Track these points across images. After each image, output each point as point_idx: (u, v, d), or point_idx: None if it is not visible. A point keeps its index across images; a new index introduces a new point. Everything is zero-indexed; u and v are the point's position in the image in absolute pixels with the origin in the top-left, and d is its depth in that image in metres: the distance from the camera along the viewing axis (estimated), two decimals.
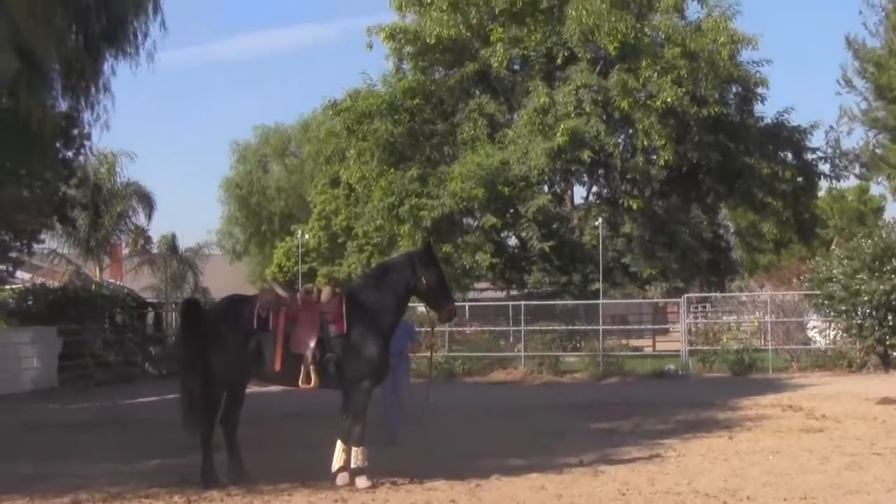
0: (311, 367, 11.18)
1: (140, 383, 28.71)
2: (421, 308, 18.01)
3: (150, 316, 35.14)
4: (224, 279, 63.05)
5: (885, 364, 27.88)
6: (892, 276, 27.54)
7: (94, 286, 36.88)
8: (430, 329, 13.23)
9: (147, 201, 48.85)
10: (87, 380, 27.84)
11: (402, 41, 39.43)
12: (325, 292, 11.63)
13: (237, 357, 11.30)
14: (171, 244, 55.26)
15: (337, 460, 11.30)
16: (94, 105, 22.02)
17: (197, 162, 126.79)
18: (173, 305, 42.00)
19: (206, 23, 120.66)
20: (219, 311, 12.20)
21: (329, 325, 11.32)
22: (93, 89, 21.52)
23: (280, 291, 11.78)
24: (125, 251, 56.72)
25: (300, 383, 11.24)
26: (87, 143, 26.30)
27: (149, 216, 50.12)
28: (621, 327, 36.92)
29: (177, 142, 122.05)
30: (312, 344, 11.20)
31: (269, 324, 11.24)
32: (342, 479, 11.17)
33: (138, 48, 21.33)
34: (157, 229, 77.35)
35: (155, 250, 55.67)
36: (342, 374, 11.33)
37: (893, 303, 27.50)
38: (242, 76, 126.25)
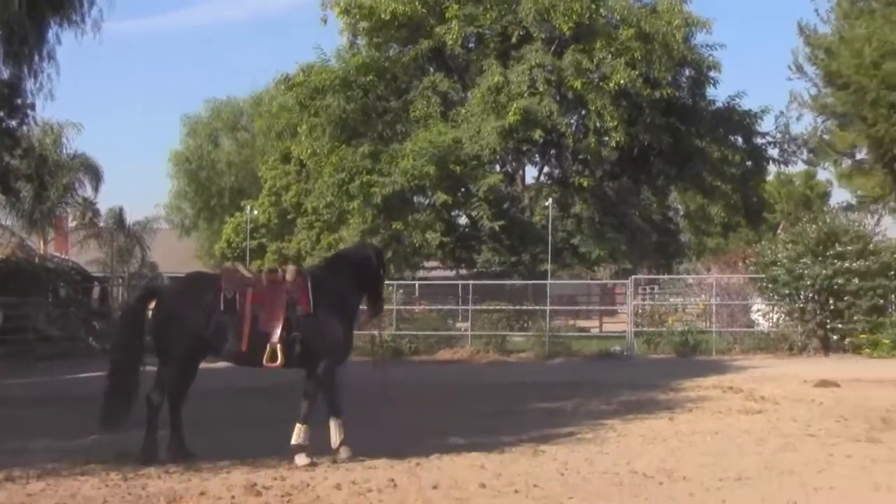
0: (278, 347, 11.21)
1: (83, 358, 28.39)
2: None
3: (96, 290, 34.78)
4: (172, 254, 62.68)
5: (826, 347, 28.29)
6: (835, 261, 27.96)
7: (37, 259, 36.45)
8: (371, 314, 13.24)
9: (94, 173, 48.40)
10: (29, 354, 27.40)
11: (357, 16, 39.04)
12: (290, 272, 11.65)
13: (200, 336, 11.28)
14: (118, 218, 54.71)
15: (296, 438, 11.30)
16: (38, 73, 21.68)
17: (146, 135, 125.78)
18: (120, 280, 41.69)
19: None
20: (182, 289, 12.15)
21: (296, 304, 11.37)
22: (36, 57, 21.16)
23: (245, 272, 11.78)
24: (71, 224, 56.19)
25: (265, 362, 11.26)
26: (30, 112, 25.90)
27: (96, 189, 49.73)
28: (569, 308, 37.14)
29: (126, 114, 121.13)
30: (280, 323, 11.23)
31: (235, 304, 11.25)
32: (301, 459, 11.17)
33: (84, 16, 21.01)
34: (105, 202, 76.52)
35: (102, 224, 55.10)
36: (307, 353, 11.39)
37: (835, 287, 27.92)
38: (194, 48, 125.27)
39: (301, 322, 11.35)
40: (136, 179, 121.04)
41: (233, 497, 9.48)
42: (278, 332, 11.22)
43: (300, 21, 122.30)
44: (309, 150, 40.08)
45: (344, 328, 11.67)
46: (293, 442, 11.21)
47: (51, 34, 21.43)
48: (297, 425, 11.26)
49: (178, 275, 59.02)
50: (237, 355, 11.49)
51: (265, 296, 11.37)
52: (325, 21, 39.56)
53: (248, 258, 51.62)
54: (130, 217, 55.90)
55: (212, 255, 63.61)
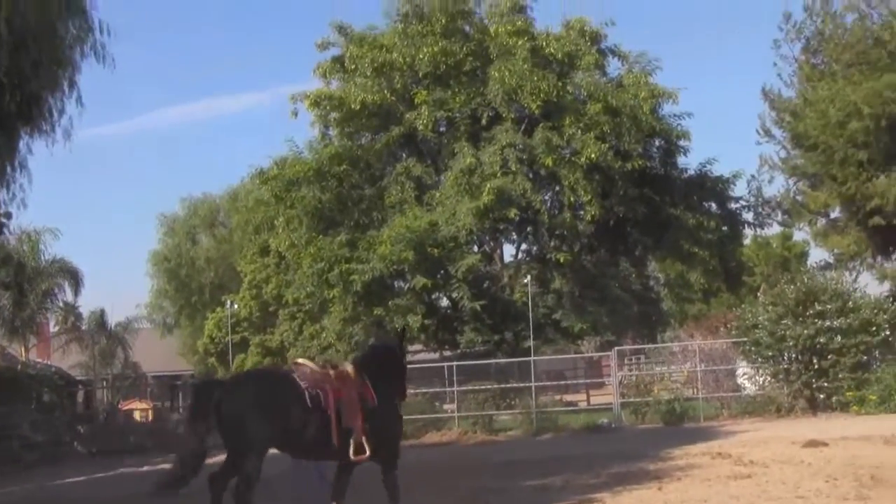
0: (363, 440, 11.54)
1: (69, 463, 28.22)
2: None
3: (80, 394, 34.62)
4: (155, 353, 62.51)
5: (813, 407, 28.27)
6: (816, 320, 28.04)
7: (20, 366, 36.27)
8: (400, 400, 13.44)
9: (74, 277, 48.11)
10: (15, 462, 27.28)
11: (328, 107, 39.46)
12: (349, 368, 12.07)
13: (287, 431, 11.33)
14: (99, 320, 54.38)
15: None
16: (10, 184, 21.69)
17: (124, 236, 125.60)
18: (103, 382, 41.51)
19: (127, 97, 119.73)
20: (264, 385, 12.00)
21: (364, 399, 11.73)
22: (8, 168, 21.22)
23: (315, 367, 11.98)
24: (53, 329, 55.88)
25: (352, 456, 11.52)
26: (5, 221, 25.90)
27: (76, 292, 49.39)
28: (555, 383, 37.09)
29: (103, 217, 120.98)
30: (359, 417, 11.56)
31: (320, 401, 11.42)
32: None
33: (54, 125, 21.00)
34: (86, 305, 76.18)
35: (84, 327, 54.83)
36: (379, 444, 11.75)
37: (818, 347, 27.97)
38: (167, 148, 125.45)
39: (371, 415, 11.66)
40: (117, 281, 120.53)
41: None
42: (360, 426, 11.53)
43: (272, 116, 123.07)
44: (287, 242, 40.18)
45: (399, 417, 12.54)
46: None
47: (21, 144, 21.46)
48: None
49: (165, 374, 58.57)
50: (327, 451, 11.65)
51: (343, 392, 11.63)
52: (296, 114, 40.00)
53: (231, 353, 51.54)
54: (112, 318, 55.60)
55: (195, 351, 63.41)
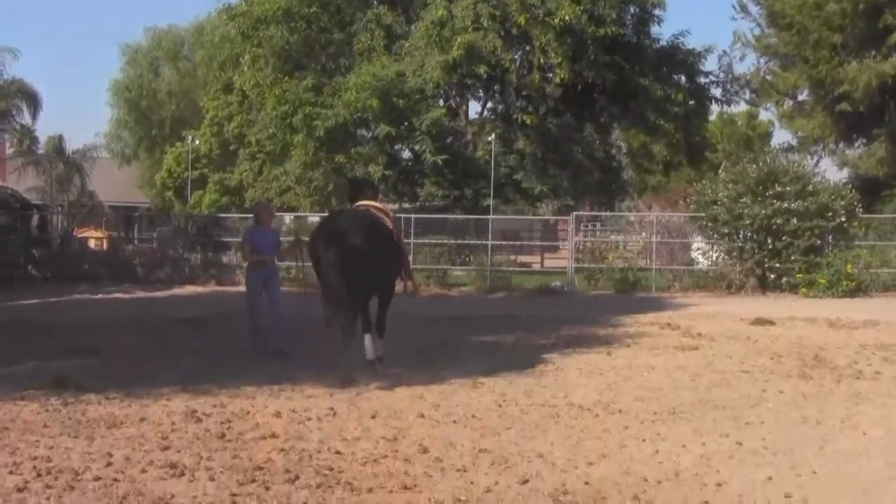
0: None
1: (23, 286, 28.20)
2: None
3: (35, 218, 34.39)
4: (112, 183, 62.11)
5: (763, 286, 28.73)
6: (774, 200, 28.30)
7: None
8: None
9: (32, 100, 47.43)
10: None
11: None
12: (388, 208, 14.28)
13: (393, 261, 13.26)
14: (57, 146, 53.81)
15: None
16: None
17: (86, 62, 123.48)
18: (59, 208, 41.21)
19: None
20: (373, 220, 12.97)
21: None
22: None
23: (379, 206, 13.63)
24: (9, 151, 55.29)
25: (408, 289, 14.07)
26: None
27: (34, 116, 48.76)
28: (511, 243, 37.30)
29: (64, 41, 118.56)
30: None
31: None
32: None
33: None
34: (44, 130, 75.35)
35: (41, 151, 54.24)
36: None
37: (774, 227, 28.28)
38: None
39: None
40: (76, 108, 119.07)
41: (173, 423, 9.53)
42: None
43: None
44: (252, 82, 39.72)
45: None
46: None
47: None
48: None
49: (122, 204, 58.03)
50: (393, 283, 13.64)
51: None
52: None
53: (189, 188, 51.27)
54: (70, 146, 55.02)
55: (152, 184, 63.04)
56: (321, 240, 12.59)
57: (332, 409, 10.33)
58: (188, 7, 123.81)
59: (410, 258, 31.08)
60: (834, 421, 10.01)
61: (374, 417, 9.97)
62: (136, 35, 76.52)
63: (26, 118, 48.60)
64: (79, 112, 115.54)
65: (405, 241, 17.20)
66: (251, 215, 21.58)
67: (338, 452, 8.51)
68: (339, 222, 12.85)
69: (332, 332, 12.22)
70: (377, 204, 13.54)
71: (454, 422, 9.85)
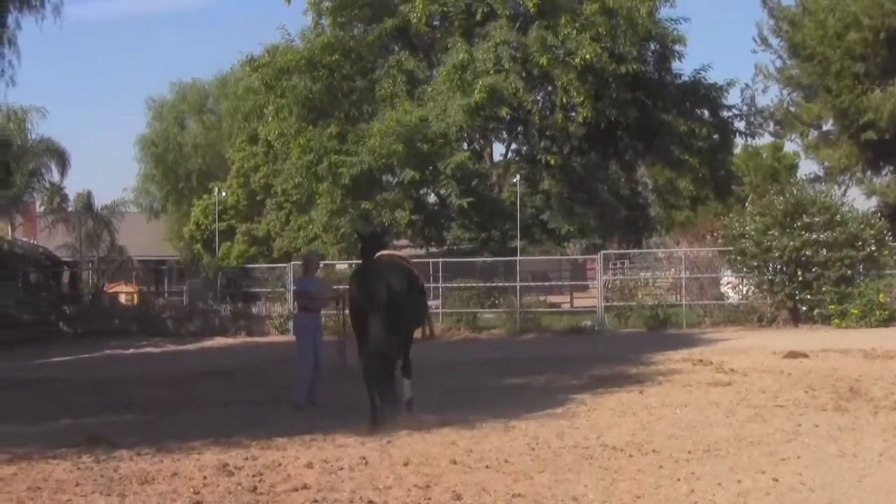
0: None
1: (54, 343, 28.35)
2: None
3: (66, 275, 34.62)
4: (141, 237, 62.43)
5: (795, 319, 28.46)
6: (803, 232, 28.10)
7: (6, 245, 36.23)
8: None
9: (61, 158, 48.00)
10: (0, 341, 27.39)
11: None
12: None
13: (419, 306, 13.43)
14: (86, 202, 54.31)
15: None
16: None
17: (113, 119, 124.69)
18: (89, 264, 41.48)
19: None
20: (404, 267, 13.26)
21: None
22: None
23: (402, 255, 14.23)
24: (39, 209, 55.80)
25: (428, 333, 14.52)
26: None
27: (62, 173, 49.37)
28: (540, 284, 37.20)
29: (92, 98, 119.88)
30: None
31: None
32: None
33: (44, 2, 20.75)
34: (73, 187, 76.00)
35: (70, 208, 54.73)
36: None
37: (803, 259, 28.05)
38: (158, 30, 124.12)
39: None
40: (104, 164, 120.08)
41: (204, 477, 9.48)
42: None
43: (265, 2, 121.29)
44: (276, 131, 39.96)
45: None
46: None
47: (10, 19, 21.19)
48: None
49: (150, 258, 58.19)
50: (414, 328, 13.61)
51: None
52: (290, 1, 39.52)
53: (217, 240, 51.52)
54: (98, 201, 55.52)
55: (181, 237, 63.33)
56: (367, 285, 12.63)
57: (363, 457, 10.27)
58: (212, 60, 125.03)
59: (439, 302, 31.39)
60: (871, 454, 9.86)
61: (406, 465, 9.89)
62: (161, 90, 77.44)
63: (55, 176, 49.24)
64: (107, 167, 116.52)
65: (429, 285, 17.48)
66: (280, 265, 21.68)
67: (370, 502, 8.44)
68: (379, 270, 12.86)
69: (369, 385, 12.38)
70: (398, 253, 13.99)
71: (487, 467, 9.76)
